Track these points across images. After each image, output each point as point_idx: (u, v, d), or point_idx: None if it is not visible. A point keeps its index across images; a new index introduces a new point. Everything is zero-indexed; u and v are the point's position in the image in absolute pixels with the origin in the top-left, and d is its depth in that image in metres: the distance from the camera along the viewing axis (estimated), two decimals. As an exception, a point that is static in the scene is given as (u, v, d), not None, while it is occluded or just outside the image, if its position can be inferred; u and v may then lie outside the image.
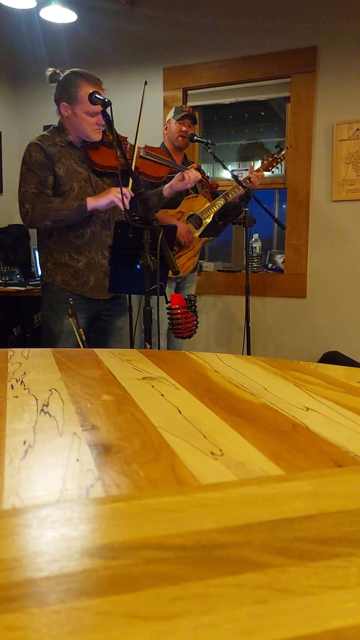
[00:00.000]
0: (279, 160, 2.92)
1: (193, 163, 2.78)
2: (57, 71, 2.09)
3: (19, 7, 3.20)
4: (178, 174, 2.28)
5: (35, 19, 3.49)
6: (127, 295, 2.35)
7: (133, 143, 2.25)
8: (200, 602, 0.34)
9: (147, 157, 2.32)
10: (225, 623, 0.32)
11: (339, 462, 0.56)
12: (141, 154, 2.28)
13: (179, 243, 2.73)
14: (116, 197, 1.97)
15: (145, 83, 2.19)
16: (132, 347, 2.16)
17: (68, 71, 2.08)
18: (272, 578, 0.36)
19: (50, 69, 2.10)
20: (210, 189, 2.75)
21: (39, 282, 3.25)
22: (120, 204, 1.97)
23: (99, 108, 2.00)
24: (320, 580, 0.36)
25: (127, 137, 2.30)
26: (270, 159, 2.90)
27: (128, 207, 1.99)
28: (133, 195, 2.00)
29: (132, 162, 2.11)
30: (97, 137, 2.08)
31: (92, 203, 2.00)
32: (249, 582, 0.36)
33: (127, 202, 1.98)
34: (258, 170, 2.86)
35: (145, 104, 3.62)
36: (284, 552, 0.39)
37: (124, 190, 1.98)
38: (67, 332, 2.10)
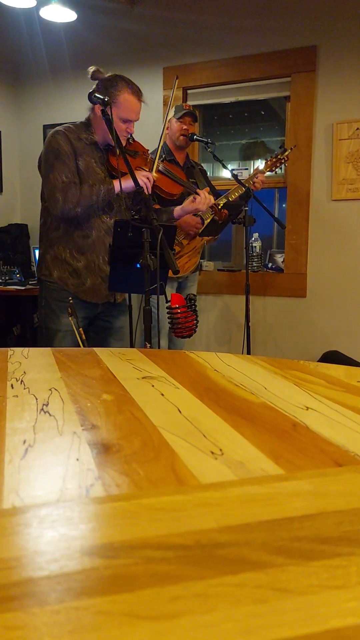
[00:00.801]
0: (283, 160, 2.92)
1: (206, 187, 2.78)
2: (100, 70, 2.08)
3: (19, 6, 3.20)
4: (191, 196, 2.28)
5: (35, 18, 3.48)
6: (128, 295, 2.35)
7: (153, 156, 2.27)
8: (200, 601, 0.34)
9: (165, 172, 2.33)
10: (225, 622, 0.32)
11: (339, 461, 0.56)
12: (160, 168, 2.29)
13: (187, 235, 2.72)
14: (141, 179, 1.97)
15: (177, 77, 2.22)
16: (132, 346, 2.16)
17: (113, 73, 2.08)
18: (272, 577, 0.36)
19: (93, 67, 2.09)
20: (219, 217, 2.72)
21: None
22: (144, 187, 1.96)
23: (132, 116, 2.04)
24: (320, 580, 0.36)
25: (148, 150, 2.32)
26: (274, 159, 2.90)
27: (150, 192, 1.99)
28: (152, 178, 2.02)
29: (152, 169, 2.13)
30: (122, 143, 2.09)
31: (118, 187, 2.00)
32: (249, 581, 0.36)
33: (149, 185, 1.99)
34: (261, 171, 2.85)
35: (144, 104, 3.63)
36: (284, 551, 0.39)
37: (147, 173, 2.00)
38: (64, 331, 2.10)
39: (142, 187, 1.83)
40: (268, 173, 2.93)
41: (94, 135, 2.08)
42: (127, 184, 1.98)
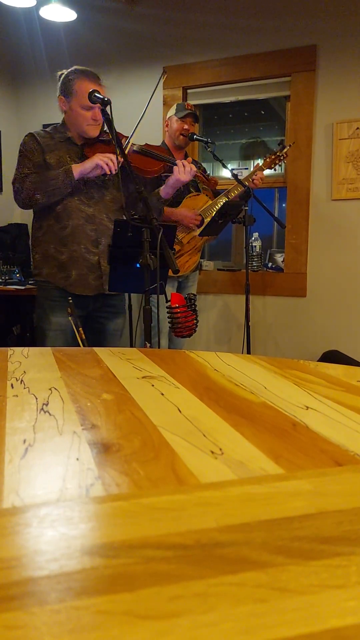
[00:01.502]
0: (282, 157, 2.91)
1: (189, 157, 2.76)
2: (65, 71, 2.11)
3: (19, 5, 3.20)
4: (174, 168, 2.23)
5: (35, 17, 3.48)
6: (128, 295, 2.35)
7: (130, 138, 2.24)
8: (200, 601, 0.34)
9: (141, 151, 2.30)
10: (225, 622, 0.32)
11: (339, 461, 0.56)
12: (135, 148, 2.26)
13: (188, 229, 2.71)
14: (101, 159, 1.96)
15: (164, 72, 2.18)
16: (132, 346, 2.16)
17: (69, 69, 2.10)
18: (272, 577, 0.36)
19: (62, 71, 2.13)
20: (208, 186, 2.73)
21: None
22: (105, 167, 1.96)
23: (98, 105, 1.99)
24: (320, 579, 0.36)
25: (126, 137, 2.29)
26: (273, 157, 2.89)
27: (115, 171, 1.97)
28: (119, 161, 1.98)
29: (125, 150, 2.09)
30: (93, 133, 2.07)
31: (78, 168, 2.00)
32: (249, 581, 0.36)
33: (112, 166, 1.97)
34: (260, 168, 2.85)
35: (145, 102, 3.63)
36: (284, 551, 0.39)
37: (110, 155, 1.98)
38: (54, 330, 2.09)
39: (141, 187, 1.83)
40: (268, 171, 2.93)
41: (68, 132, 2.09)
42: (85, 165, 1.98)
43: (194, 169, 2.23)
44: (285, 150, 2.92)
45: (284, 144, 3.03)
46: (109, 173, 1.98)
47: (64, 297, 2.07)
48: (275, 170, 3.08)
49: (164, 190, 2.24)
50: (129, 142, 2.18)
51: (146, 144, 2.40)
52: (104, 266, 2.12)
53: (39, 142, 2.04)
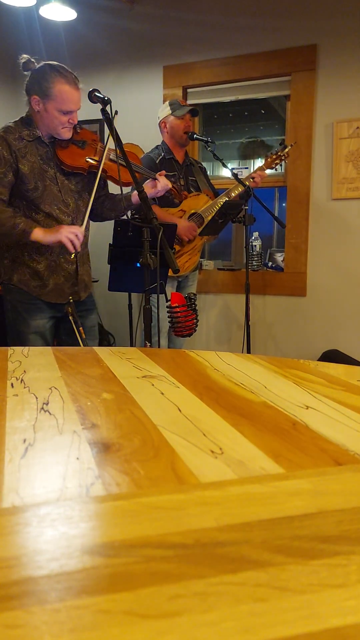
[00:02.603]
0: (283, 157, 2.91)
1: (206, 184, 2.75)
2: (32, 60, 1.97)
3: (19, 4, 3.19)
4: (148, 180, 2.20)
5: (35, 16, 3.48)
6: (128, 294, 2.34)
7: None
8: (200, 600, 0.34)
9: (116, 160, 2.23)
10: (225, 621, 0.32)
11: (339, 460, 0.56)
12: (111, 156, 2.22)
13: (181, 241, 2.72)
14: (66, 237, 1.89)
15: (116, 113, 2.11)
16: (132, 345, 2.16)
17: (43, 63, 1.96)
18: (272, 576, 0.36)
19: (25, 56, 1.97)
20: (179, 199, 2.68)
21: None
22: (69, 246, 1.89)
23: (72, 107, 1.93)
24: (320, 579, 0.36)
25: (98, 137, 2.20)
26: (274, 157, 2.89)
27: (79, 250, 1.91)
28: (84, 235, 1.92)
29: (101, 164, 2.02)
30: (66, 135, 1.99)
31: (38, 235, 1.91)
32: (249, 580, 0.36)
33: (77, 242, 1.90)
34: (261, 168, 2.85)
35: (144, 102, 3.62)
36: (284, 550, 0.39)
37: (76, 231, 1.90)
38: (33, 333, 2.04)
39: (141, 186, 1.82)
40: (268, 171, 2.93)
41: (37, 130, 1.98)
42: (46, 238, 1.90)
43: (169, 184, 2.22)
44: (286, 150, 2.92)
45: (284, 144, 3.03)
46: (72, 252, 1.90)
47: (38, 299, 2.03)
48: (275, 170, 3.08)
49: (135, 198, 2.18)
50: (105, 148, 2.13)
51: (125, 144, 2.32)
52: (81, 274, 2.09)
53: (10, 149, 1.92)
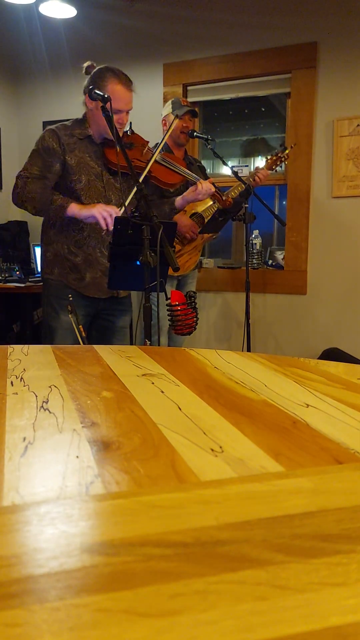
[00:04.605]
0: (283, 159, 2.92)
1: (209, 178, 2.76)
2: (94, 64, 2.07)
3: (18, 2, 3.19)
4: (192, 185, 2.25)
5: (35, 14, 3.47)
6: (129, 294, 2.35)
7: (152, 147, 2.24)
8: (200, 599, 0.34)
9: (162, 162, 2.30)
10: (225, 620, 0.32)
11: (339, 458, 0.56)
12: (157, 159, 2.26)
13: (184, 239, 2.72)
14: (100, 213, 1.91)
15: (177, 116, 2.20)
16: (132, 343, 2.16)
17: (102, 65, 2.06)
18: (272, 575, 0.36)
19: (88, 62, 2.08)
20: (223, 205, 2.70)
21: (38, 278, 3.24)
22: (102, 222, 1.91)
23: (122, 106, 1.99)
24: (320, 577, 0.36)
25: (148, 142, 2.30)
26: (275, 158, 2.90)
27: (111, 228, 1.92)
28: (119, 216, 1.94)
29: (147, 166, 2.08)
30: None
31: (73, 209, 1.96)
32: (249, 579, 0.36)
33: (110, 221, 1.91)
34: (263, 168, 2.86)
35: (144, 100, 3.62)
36: (284, 548, 0.39)
37: (111, 209, 1.93)
38: (64, 329, 2.08)
39: (142, 184, 1.82)
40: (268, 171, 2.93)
41: (88, 129, 2.06)
42: (81, 212, 1.95)
43: (212, 189, 2.26)
44: (286, 151, 2.93)
45: (285, 145, 3.03)
46: (104, 229, 1.93)
47: (74, 296, 2.07)
48: (275, 171, 3.09)
49: (180, 202, 2.25)
50: (155, 153, 2.17)
51: (164, 152, 2.38)
52: None
53: (60, 142, 2.01)
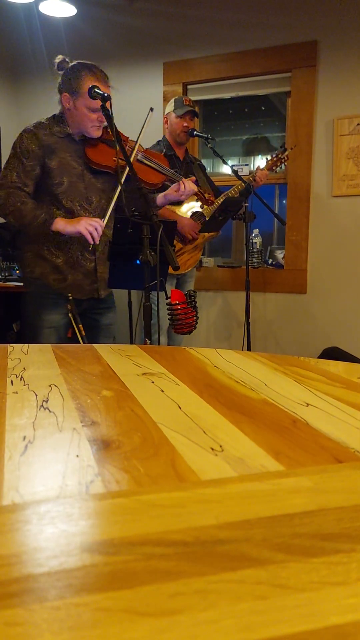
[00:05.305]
0: (283, 160, 2.93)
1: (192, 176, 2.76)
2: (67, 59, 2.02)
3: (18, 1, 3.19)
4: (175, 184, 2.22)
5: (35, 13, 3.47)
6: (128, 291, 2.34)
7: (133, 145, 2.20)
8: (200, 598, 0.33)
9: (145, 161, 2.26)
10: (225, 619, 0.32)
11: (339, 457, 0.56)
12: (139, 157, 2.23)
13: (184, 239, 2.72)
14: (86, 229, 1.89)
15: (151, 109, 2.14)
16: (132, 342, 2.16)
17: (75, 62, 2.01)
18: (273, 574, 0.36)
19: (60, 56, 2.03)
20: (204, 203, 2.70)
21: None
22: (88, 237, 1.89)
23: (99, 104, 1.94)
24: (320, 576, 0.36)
25: (128, 138, 2.26)
26: (275, 159, 2.91)
27: (97, 242, 1.92)
28: (103, 227, 1.93)
29: (130, 158, 2.05)
30: (96, 133, 2.02)
31: (59, 225, 1.92)
32: (249, 578, 0.36)
33: (96, 235, 1.90)
34: (263, 169, 2.86)
35: (144, 99, 3.61)
36: (284, 548, 0.39)
37: (95, 223, 1.91)
38: (48, 328, 2.06)
39: (140, 183, 1.82)
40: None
41: (67, 127, 2.01)
42: (66, 228, 1.92)
43: (195, 189, 2.24)
44: (286, 152, 2.94)
45: (285, 146, 3.04)
46: (90, 243, 1.92)
47: (55, 294, 2.04)
48: (275, 172, 3.09)
49: (161, 200, 2.21)
50: (134, 149, 2.14)
51: (146, 150, 2.35)
52: (100, 272, 2.10)
53: (40, 143, 1.95)
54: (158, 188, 2.28)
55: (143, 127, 2.18)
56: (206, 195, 2.51)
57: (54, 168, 1.97)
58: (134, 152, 2.13)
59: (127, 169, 1.99)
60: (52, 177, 1.97)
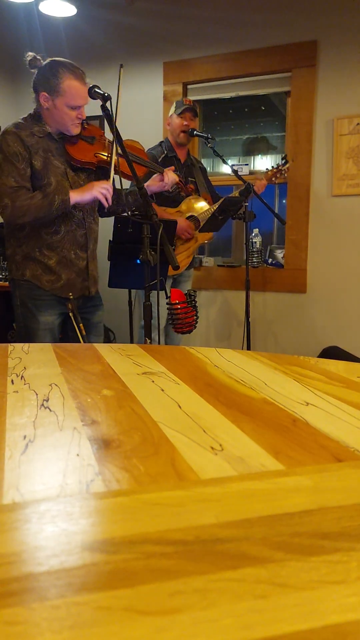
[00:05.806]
0: (284, 172, 2.95)
1: (171, 166, 2.77)
2: (38, 57, 1.99)
3: (18, 0, 3.18)
4: (156, 174, 2.22)
5: (35, 12, 3.47)
6: (128, 290, 2.34)
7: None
8: (200, 596, 0.34)
9: (125, 156, 2.25)
10: (225, 618, 0.32)
11: (339, 456, 0.56)
12: (119, 151, 2.22)
13: (178, 239, 2.73)
14: (100, 192, 1.93)
15: (121, 66, 2.10)
16: (132, 342, 2.16)
17: (50, 59, 1.98)
18: (272, 573, 0.36)
19: (30, 53, 1.99)
20: (185, 192, 2.71)
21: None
22: (103, 200, 1.93)
23: (80, 102, 1.95)
24: (320, 575, 0.36)
25: (103, 132, 2.22)
26: (275, 170, 2.93)
27: (110, 204, 1.95)
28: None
29: (111, 159, 2.03)
30: (75, 130, 2.01)
31: (75, 197, 1.94)
32: (249, 577, 0.36)
33: (109, 196, 1.93)
34: (262, 179, 2.88)
35: (144, 99, 3.61)
36: (284, 546, 0.39)
37: (107, 185, 1.93)
38: (43, 329, 2.05)
39: (141, 183, 1.82)
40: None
41: (46, 126, 2.00)
42: (84, 196, 1.94)
43: (177, 179, 2.26)
44: (287, 165, 2.96)
45: (286, 158, 3.05)
46: (106, 205, 1.95)
47: (48, 295, 2.04)
48: (275, 183, 3.11)
49: (149, 189, 2.21)
50: (113, 144, 2.12)
51: (126, 141, 2.32)
52: (91, 269, 2.11)
53: (24, 144, 1.93)
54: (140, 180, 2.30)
55: (119, 87, 2.11)
56: (184, 183, 2.52)
57: (39, 169, 1.96)
58: (113, 147, 2.11)
59: (113, 165, 2.01)
60: (39, 178, 1.96)
